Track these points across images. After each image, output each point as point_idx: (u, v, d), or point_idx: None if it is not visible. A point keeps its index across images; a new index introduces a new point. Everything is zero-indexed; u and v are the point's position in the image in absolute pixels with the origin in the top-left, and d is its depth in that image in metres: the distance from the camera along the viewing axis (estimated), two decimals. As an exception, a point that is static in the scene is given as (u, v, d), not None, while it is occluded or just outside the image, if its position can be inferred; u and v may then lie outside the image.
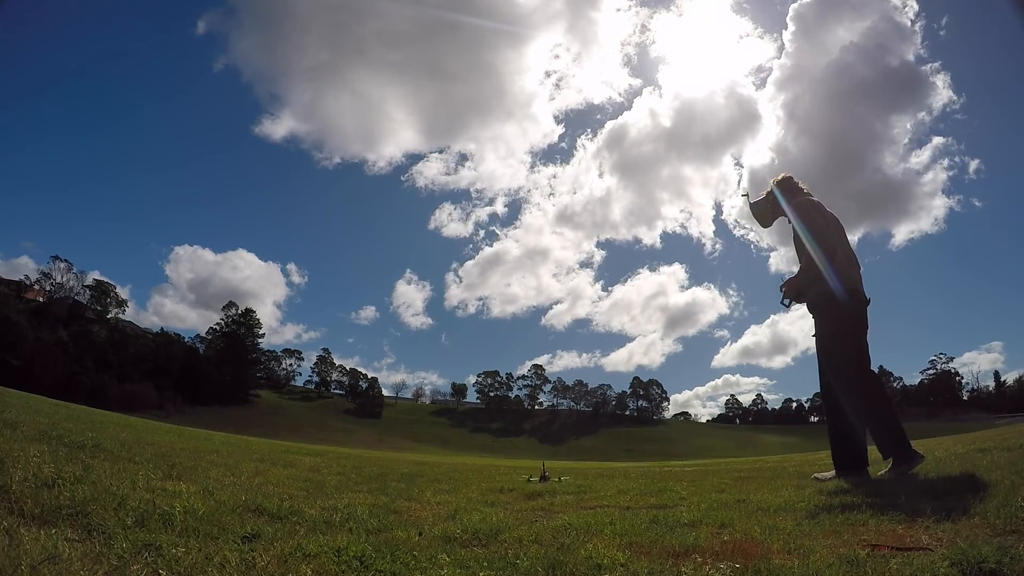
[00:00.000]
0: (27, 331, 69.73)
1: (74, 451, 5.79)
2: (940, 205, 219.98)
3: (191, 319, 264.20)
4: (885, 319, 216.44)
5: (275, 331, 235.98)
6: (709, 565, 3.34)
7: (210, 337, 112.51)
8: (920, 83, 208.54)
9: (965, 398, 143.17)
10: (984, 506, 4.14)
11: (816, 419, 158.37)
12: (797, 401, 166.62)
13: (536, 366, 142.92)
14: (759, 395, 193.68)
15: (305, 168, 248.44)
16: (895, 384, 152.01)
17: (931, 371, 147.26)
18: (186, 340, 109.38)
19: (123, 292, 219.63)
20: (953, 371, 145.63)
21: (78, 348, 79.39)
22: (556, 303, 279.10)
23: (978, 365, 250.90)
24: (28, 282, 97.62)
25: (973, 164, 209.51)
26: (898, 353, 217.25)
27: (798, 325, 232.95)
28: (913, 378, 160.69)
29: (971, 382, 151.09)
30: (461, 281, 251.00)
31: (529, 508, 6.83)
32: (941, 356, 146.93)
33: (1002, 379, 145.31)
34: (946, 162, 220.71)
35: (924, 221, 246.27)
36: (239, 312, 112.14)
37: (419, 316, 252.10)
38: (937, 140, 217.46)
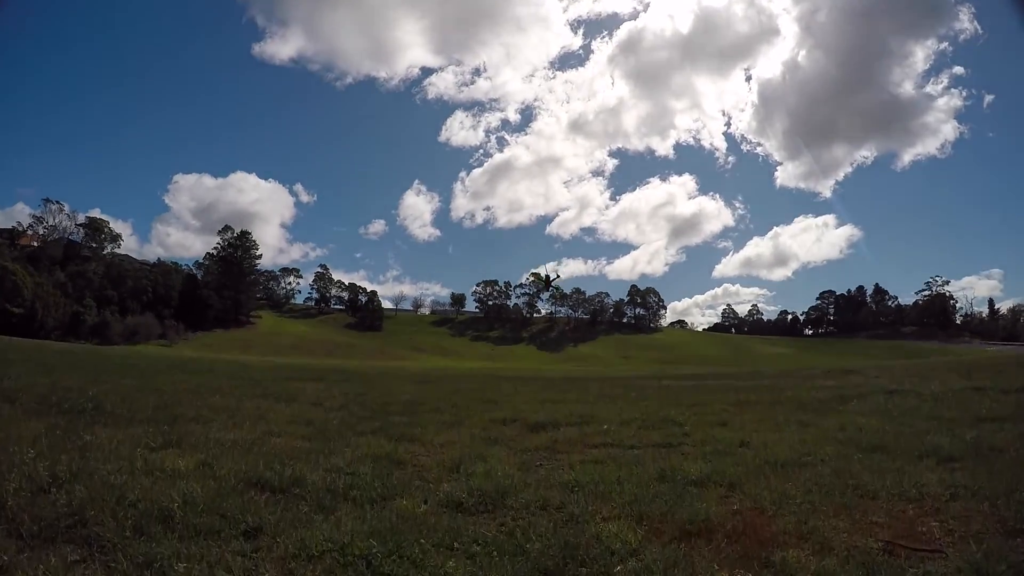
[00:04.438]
0: (25, 278, 68.29)
1: (73, 422, 5.71)
2: (950, 131, 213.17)
3: (196, 247, 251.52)
4: (884, 237, 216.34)
5: (283, 251, 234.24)
6: (722, 554, 3.33)
7: (207, 263, 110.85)
8: (943, 10, 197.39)
9: (958, 322, 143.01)
10: (993, 486, 4.17)
11: (810, 332, 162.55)
12: (792, 314, 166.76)
13: (534, 274, 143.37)
14: (755, 306, 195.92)
15: (314, 89, 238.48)
16: (890, 303, 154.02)
17: (926, 292, 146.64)
18: (184, 267, 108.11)
19: (125, 227, 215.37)
20: (948, 294, 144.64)
21: (77, 288, 78.24)
22: (563, 211, 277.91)
23: (975, 291, 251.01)
24: (21, 228, 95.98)
25: (988, 98, 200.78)
26: (895, 272, 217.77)
27: (799, 239, 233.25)
28: (908, 298, 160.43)
29: (965, 307, 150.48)
30: (468, 191, 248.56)
31: (533, 448, 6.81)
32: (937, 278, 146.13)
33: (996, 307, 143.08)
34: (962, 92, 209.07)
35: (931, 145, 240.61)
36: (235, 235, 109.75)
37: (426, 228, 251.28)
38: (957, 69, 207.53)
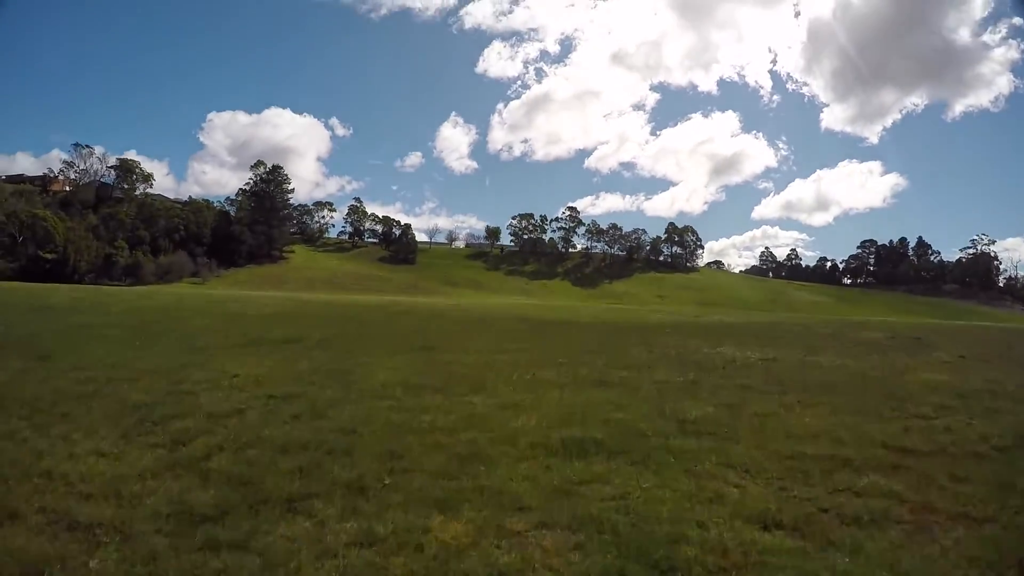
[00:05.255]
0: (56, 223, 69.37)
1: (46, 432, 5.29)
2: (1004, 84, 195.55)
3: (232, 184, 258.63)
4: (930, 189, 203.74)
5: (319, 185, 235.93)
6: None
7: (239, 198, 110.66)
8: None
9: (1000, 284, 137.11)
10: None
11: (848, 281, 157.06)
12: (831, 261, 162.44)
13: (571, 208, 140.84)
14: (793, 250, 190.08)
15: (348, 21, 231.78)
16: (932, 258, 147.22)
17: (970, 250, 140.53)
18: (216, 204, 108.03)
19: (161, 167, 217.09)
20: (993, 254, 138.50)
21: (109, 230, 79.33)
22: (602, 144, 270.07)
23: (1020, 253, 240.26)
24: (52, 174, 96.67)
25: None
26: (939, 226, 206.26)
27: (842, 185, 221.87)
28: (951, 254, 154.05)
29: (1009, 269, 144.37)
30: (506, 123, 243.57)
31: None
32: (983, 236, 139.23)
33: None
34: (1020, 44, 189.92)
35: (984, 97, 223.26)
36: (267, 170, 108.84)
37: (463, 160, 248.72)
38: (1016, 20, 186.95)
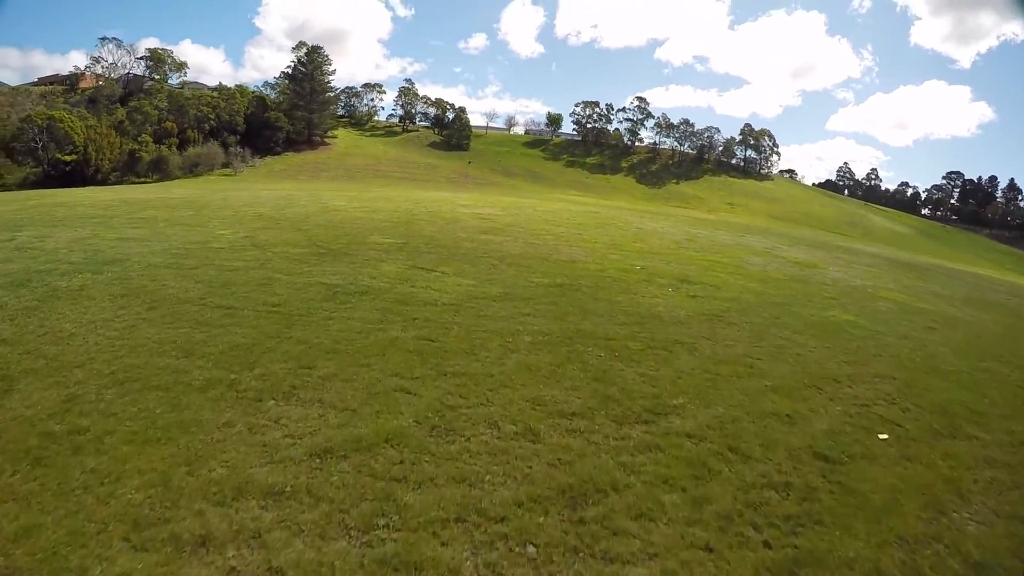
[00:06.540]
0: (73, 123, 64.81)
1: None
2: None
3: None
4: (1020, 129, 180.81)
5: (379, 67, 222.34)
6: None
7: (277, 82, 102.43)
8: None
9: None
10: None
11: (927, 212, 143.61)
12: (914, 188, 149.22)
13: (640, 98, 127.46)
14: (874, 170, 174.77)
15: None
16: (1022, 203, 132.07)
17: None
18: (254, 89, 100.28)
19: (217, 54, 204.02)
20: None
21: (134, 124, 74.36)
22: (676, 35, 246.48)
23: None
24: (77, 71, 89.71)
25: None
26: None
27: (926, 106, 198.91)
28: None
29: None
30: (575, 6, 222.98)
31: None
32: None
33: None
34: None
35: None
36: (305, 52, 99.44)
37: (529, 43, 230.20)
38: None
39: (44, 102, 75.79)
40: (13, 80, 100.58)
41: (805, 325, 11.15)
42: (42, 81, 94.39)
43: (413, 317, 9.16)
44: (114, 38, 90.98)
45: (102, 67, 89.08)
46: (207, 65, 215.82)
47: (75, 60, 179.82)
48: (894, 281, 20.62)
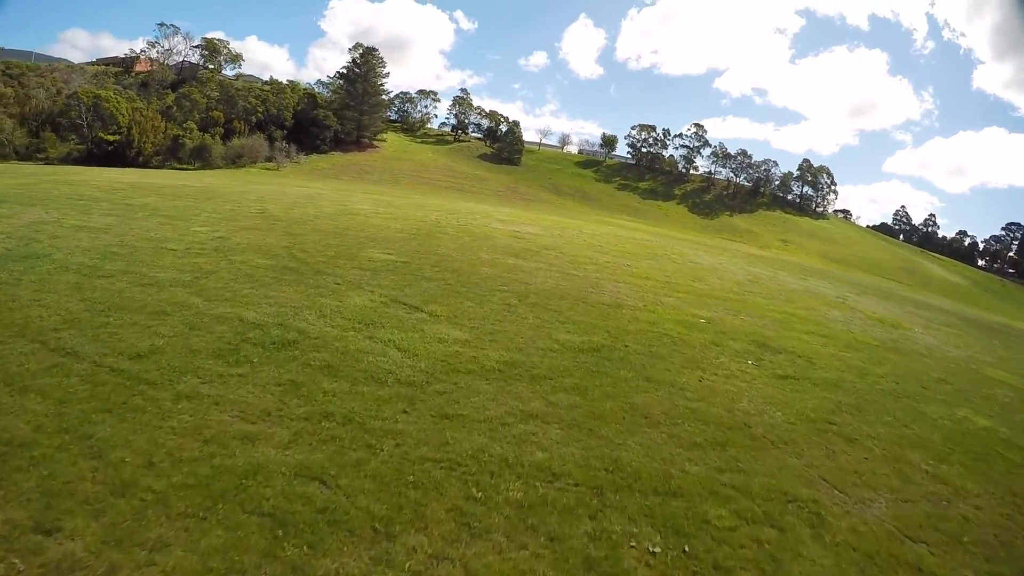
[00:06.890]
0: (119, 104, 65.90)
1: None
2: None
3: None
4: None
5: (440, 78, 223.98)
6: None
7: (331, 82, 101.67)
8: None
9: None
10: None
11: (983, 263, 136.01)
12: (972, 238, 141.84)
13: (697, 125, 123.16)
14: (932, 216, 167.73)
15: None
16: None
17: None
18: (306, 86, 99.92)
19: (281, 52, 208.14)
20: None
21: (182, 110, 75.00)
22: (736, 65, 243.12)
23: None
24: (132, 54, 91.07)
25: None
26: None
27: (986, 153, 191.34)
28: None
29: None
30: (637, 30, 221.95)
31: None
32: None
33: None
34: None
35: None
36: (360, 53, 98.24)
37: (589, 65, 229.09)
38: None
39: (96, 81, 76.40)
40: (78, 59, 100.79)
41: (944, 441, 8.15)
42: (100, 62, 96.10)
43: (326, 412, 5.96)
44: (172, 25, 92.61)
45: (157, 52, 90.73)
46: (270, 63, 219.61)
47: (139, 47, 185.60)
48: (986, 350, 18.05)
